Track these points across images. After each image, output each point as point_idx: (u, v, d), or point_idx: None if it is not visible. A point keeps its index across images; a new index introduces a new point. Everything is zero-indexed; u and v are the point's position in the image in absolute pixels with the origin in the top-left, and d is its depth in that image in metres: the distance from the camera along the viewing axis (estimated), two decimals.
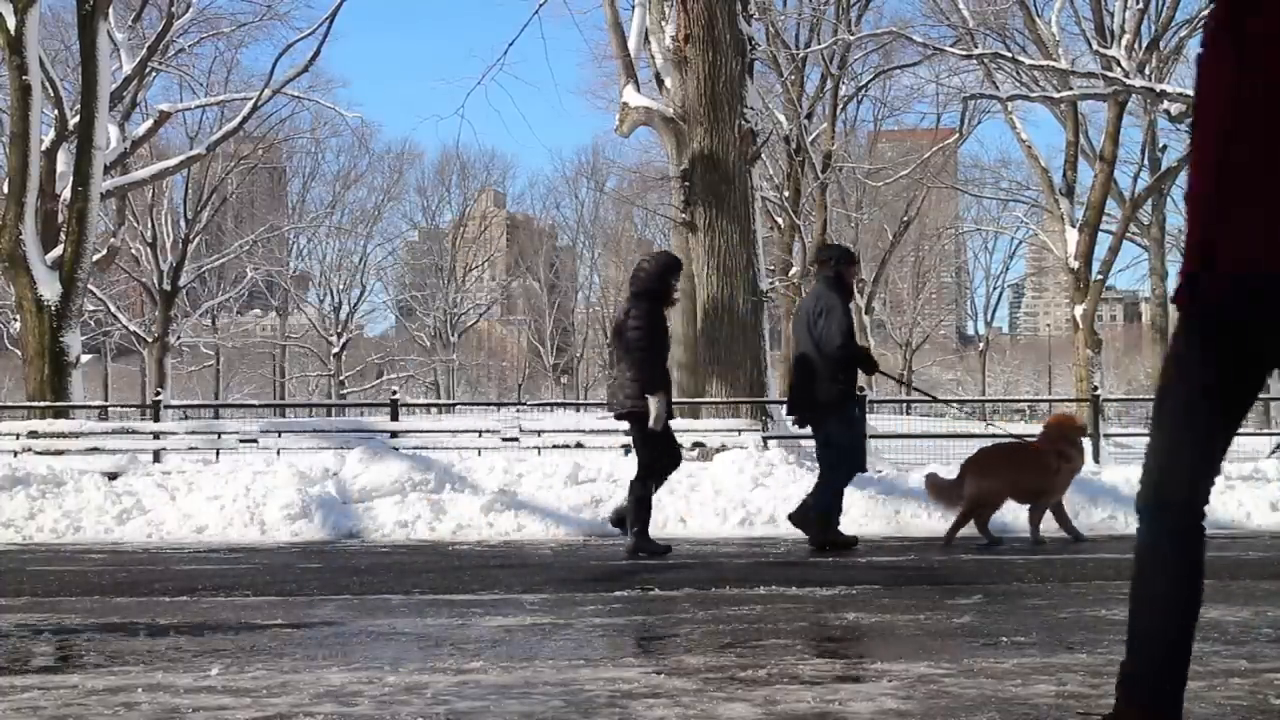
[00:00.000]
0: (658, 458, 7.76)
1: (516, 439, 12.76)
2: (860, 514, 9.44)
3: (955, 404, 19.90)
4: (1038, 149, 29.34)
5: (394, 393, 15.06)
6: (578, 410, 29.35)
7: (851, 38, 27.32)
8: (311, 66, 24.83)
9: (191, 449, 13.25)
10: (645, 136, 26.65)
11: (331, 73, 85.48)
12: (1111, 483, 9.78)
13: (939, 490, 8.31)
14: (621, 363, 7.79)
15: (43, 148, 19.00)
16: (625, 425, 8.32)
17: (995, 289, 64.17)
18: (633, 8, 17.12)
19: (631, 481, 7.83)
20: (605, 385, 7.88)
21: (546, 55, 53.42)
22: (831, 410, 7.96)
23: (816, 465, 8.37)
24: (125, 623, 4.82)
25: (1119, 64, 23.84)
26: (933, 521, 9.34)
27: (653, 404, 7.54)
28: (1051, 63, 23.61)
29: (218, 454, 13.97)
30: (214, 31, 31.55)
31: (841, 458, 8.10)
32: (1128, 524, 9.00)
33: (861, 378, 8.44)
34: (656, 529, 9.26)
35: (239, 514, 9.31)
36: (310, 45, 24.18)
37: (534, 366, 66.82)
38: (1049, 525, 8.36)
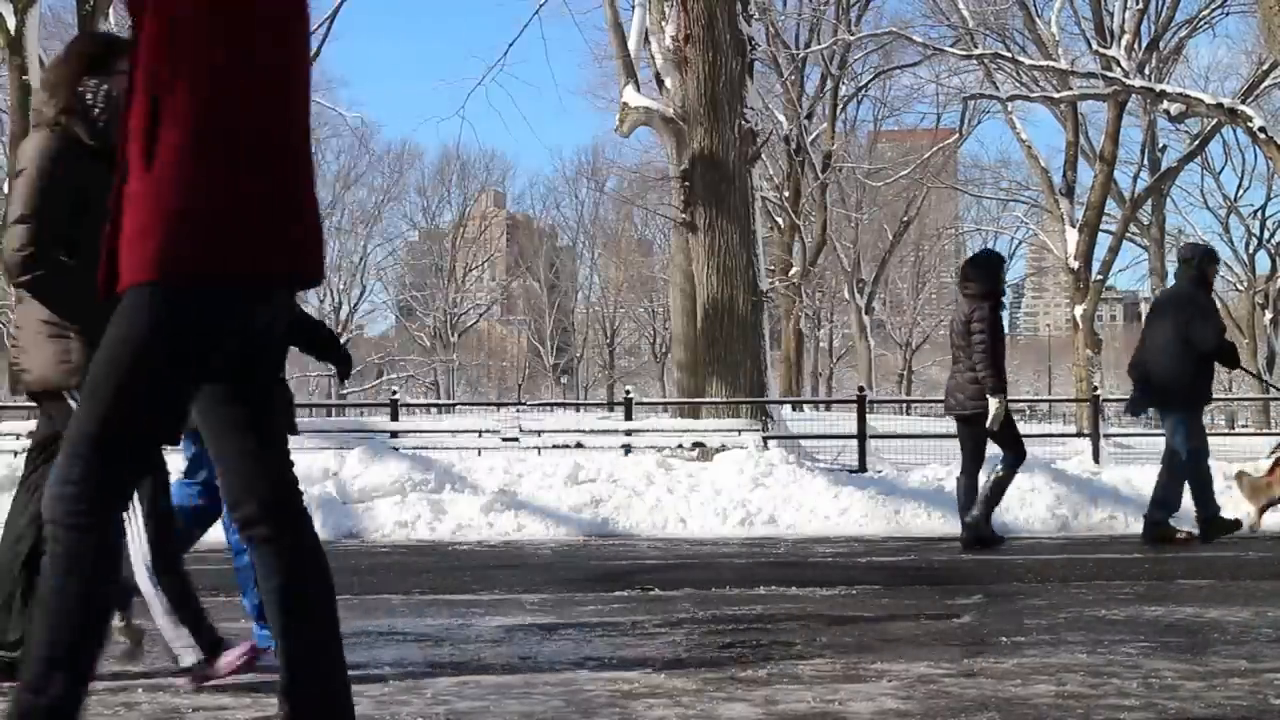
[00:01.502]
0: (1017, 454, 7.91)
1: (516, 439, 12.76)
2: (860, 514, 9.44)
3: None
4: (1038, 149, 29.36)
5: (394, 393, 15.07)
6: (578, 410, 29.38)
7: (851, 38, 27.33)
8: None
9: None
10: (645, 136, 26.66)
11: (332, 73, 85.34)
12: (1111, 483, 9.79)
13: (1254, 488, 8.49)
14: (960, 363, 7.86)
15: None
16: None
17: None
18: (633, 8, 17.13)
19: (958, 478, 8.07)
20: (945, 385, 8.12)
21: (547, 55, 53.50)
22: (1188, 405, 8.08)
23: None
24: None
25: (1119, 64, 23.85)
26: (932, 522, 9.36)
27: (994, 404, 7.64)
28: (1051, 63, 23.60)
29: None
30: None
31: (1200, 451, 8.12)
32: (1128, 524, 9.01)
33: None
34: (656, 529, 9.28)
35: None
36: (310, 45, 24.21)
37: (534, 366, 66.78)
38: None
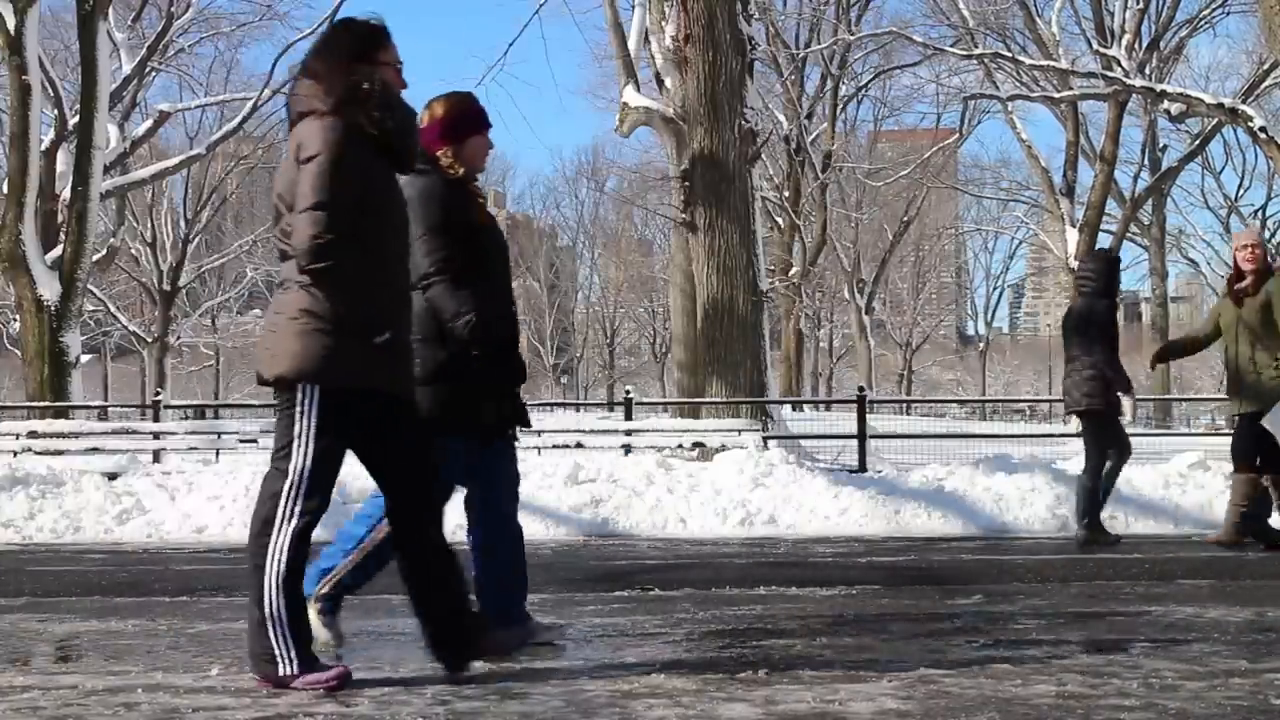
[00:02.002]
0: (1122, 449, 7.97)
1: (516, 439, 12.74)
2: (860, 514, 9.44)
3: None
4: (1038, 149, 29.35)
5: None
6: (578, 410, 29.33)
7: (851, 38, 27.34)
8: None
9: (191, 449, 13.25)
10: (645, 136, 26.68)
11: None
12: None
13: None
14: (1077, 360, 7.91)
15: (43, 148, 18.99)
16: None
17: (995, 289, 64.16)
18: (633, 8, 17.14)
19: (1080, 475, 8.08)
20: (1064, 382, 8.10)
21: (547, 55, 53.44)
22: None
23: (816, 466, 8.34)
24: (125, 623, 4.82)
25: (1119, 64, 23.85)
26: (932, 522, 9.36)
27: (1127, 402, 7.72)
28: (1051, 63, 23.61)
29: (218, 454, 13.97)
30: (214, 31, 31.50)
31: None
32: (1128, 524, 9.01)
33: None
34: (656, 529, 9.28)
35: (239, 514, 9.30)
36: (310, 45, 24.19)
37: (534, 366, 66.69)
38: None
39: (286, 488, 3.38)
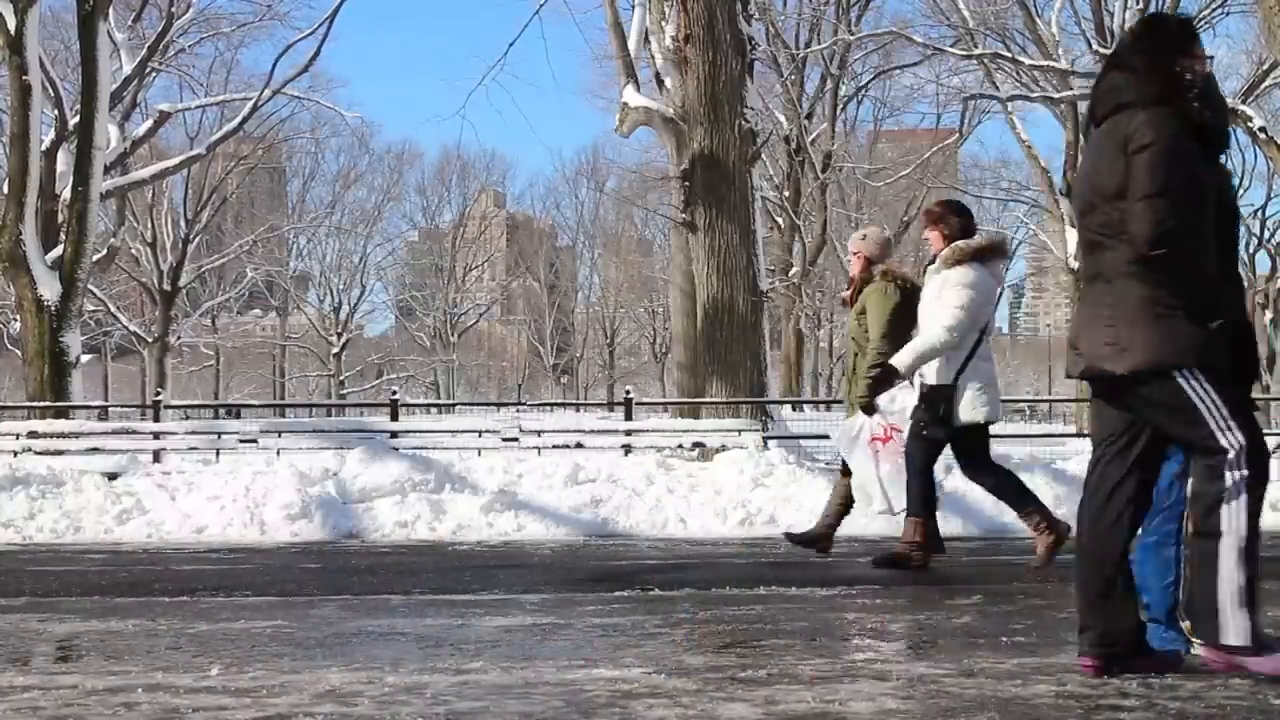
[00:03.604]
0: None
1: (516, 439, 12.75)
2: (861, 514, 9.41)
3: None
4: (1038, 149, 29.33)
5: (394, 393, 15.06)
6: (578, 410, 29.38)
7: (851, 38, 27.32)
8: (311, 66, 24.87)
9: (191, 449, 13.25)
10: (645, 136, 26.63)
11: (331, 73, 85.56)
12: None
13: None
14: None
15: (43, 148, 18.99)
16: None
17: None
18: (633, 8, 17.11)
19: None
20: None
21: (547, 55, 53.47)
22: None
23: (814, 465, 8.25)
24: (125, 623, 4.82)
25: None
26: None
27: None
28: (1051, 63, 23.60)
29: (218, 454, 13.97)
30: (214, 31, 31.53)
31: None
32: None
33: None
34: (656, 529, 9.27)
35: (239, 514, 9.31)
36: (310, 45, 24.18)
37: (534, 366, 66.78)
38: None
39: (1227, 469, 3.39)
